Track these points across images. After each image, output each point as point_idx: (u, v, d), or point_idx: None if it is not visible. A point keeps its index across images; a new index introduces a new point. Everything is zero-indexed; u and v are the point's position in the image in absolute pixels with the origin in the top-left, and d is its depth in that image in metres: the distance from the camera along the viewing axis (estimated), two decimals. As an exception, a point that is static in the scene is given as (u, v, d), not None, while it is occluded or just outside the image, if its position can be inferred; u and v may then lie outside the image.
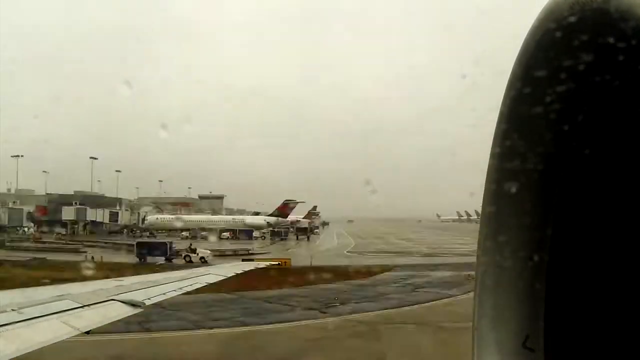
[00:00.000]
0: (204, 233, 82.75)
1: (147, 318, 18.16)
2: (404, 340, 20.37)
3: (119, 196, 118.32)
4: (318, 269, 38.71)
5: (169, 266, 40.88)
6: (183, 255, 49.63)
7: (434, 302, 29.34)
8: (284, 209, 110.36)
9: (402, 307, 27.75)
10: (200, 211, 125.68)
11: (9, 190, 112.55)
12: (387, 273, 42.13)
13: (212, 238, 77.23)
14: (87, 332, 6.14)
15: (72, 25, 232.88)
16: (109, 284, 8.51)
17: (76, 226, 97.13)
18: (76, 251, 58.01)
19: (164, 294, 8.63)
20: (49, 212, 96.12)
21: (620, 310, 1.41)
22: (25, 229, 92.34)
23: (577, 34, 1.21)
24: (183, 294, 9.33)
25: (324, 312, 25.69)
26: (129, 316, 7.26)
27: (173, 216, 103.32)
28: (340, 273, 37.57)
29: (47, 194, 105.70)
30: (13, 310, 5.67)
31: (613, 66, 1.22)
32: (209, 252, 50.83)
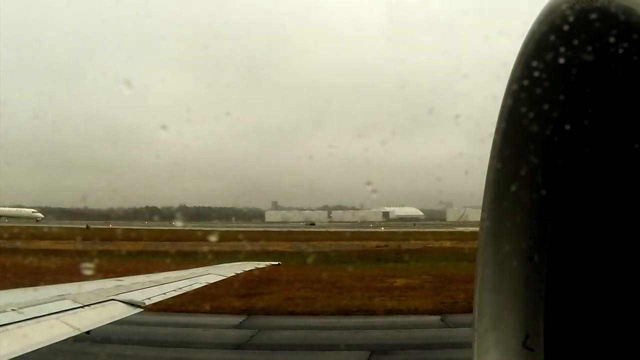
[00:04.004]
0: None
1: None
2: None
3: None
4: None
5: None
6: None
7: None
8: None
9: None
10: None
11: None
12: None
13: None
14: (88, 332, 6.13)
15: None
16: (109, 284, 8.52)
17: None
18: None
19: (164, 293, 8.64)
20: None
21: (619, 309, 1.41)
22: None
23: (577, 33, 1.21)
24: (183, 293, 9.35)
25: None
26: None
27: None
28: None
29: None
30: (13, 310, 5.66)
31: (613, 65, 1.22)
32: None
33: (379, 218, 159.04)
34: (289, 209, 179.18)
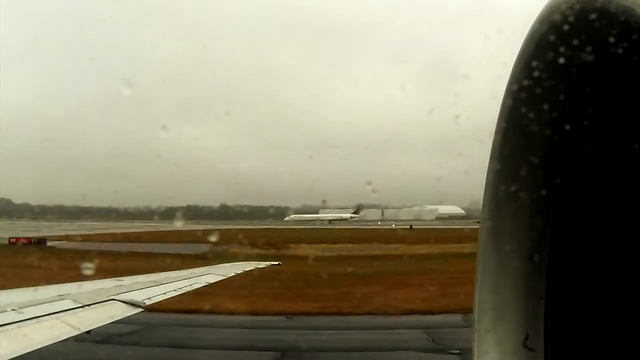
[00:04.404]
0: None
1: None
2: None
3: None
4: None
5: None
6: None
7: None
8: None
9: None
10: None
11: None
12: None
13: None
14: (88, 332, 6.14)
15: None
16: (109, 284, 8.52)
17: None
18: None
19: (164, 293, 8.66)
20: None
21: (620, 309, 1.41)
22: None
23: (577, 33, 1.21)
24: (182, 293, 9.36)
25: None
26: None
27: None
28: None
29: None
30: (13, 310, 5.67)
31: (613, 65, 1.22)
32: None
33: (432, 216, 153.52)
34: (344, 208, 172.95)
